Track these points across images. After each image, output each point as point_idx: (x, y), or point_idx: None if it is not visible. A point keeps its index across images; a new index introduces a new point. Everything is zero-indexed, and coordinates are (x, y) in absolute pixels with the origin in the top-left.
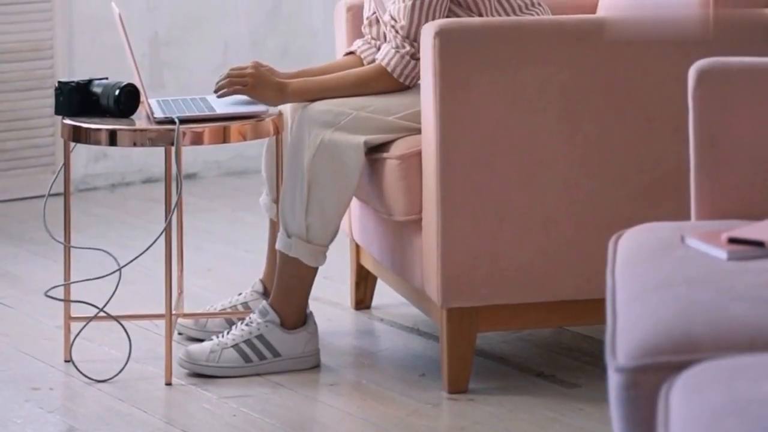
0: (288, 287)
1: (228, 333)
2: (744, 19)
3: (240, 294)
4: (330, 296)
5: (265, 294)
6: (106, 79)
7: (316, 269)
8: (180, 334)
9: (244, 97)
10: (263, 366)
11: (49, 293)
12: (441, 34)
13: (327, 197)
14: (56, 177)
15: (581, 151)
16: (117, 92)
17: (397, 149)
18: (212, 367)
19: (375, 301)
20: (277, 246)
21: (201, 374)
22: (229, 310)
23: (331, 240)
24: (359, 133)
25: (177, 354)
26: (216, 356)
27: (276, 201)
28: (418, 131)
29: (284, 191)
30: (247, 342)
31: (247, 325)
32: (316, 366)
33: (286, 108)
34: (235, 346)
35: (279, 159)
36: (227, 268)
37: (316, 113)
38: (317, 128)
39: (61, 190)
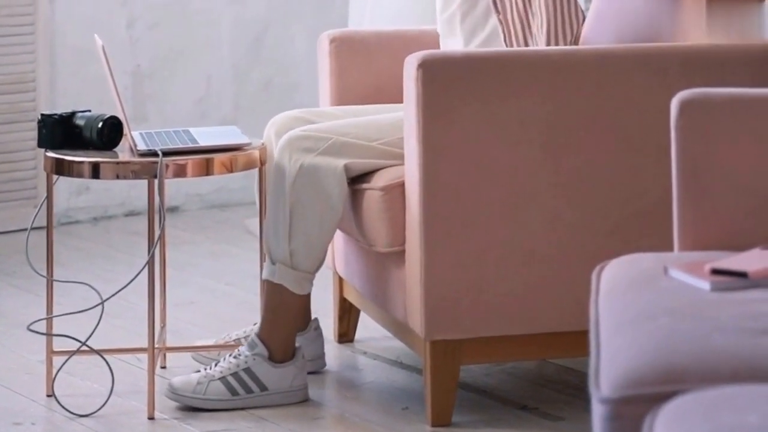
0: (275, 317)
1: (216, 365)
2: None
3: (255, 324)
4: None
5: None
6: (89, 111)
7: (301, 298)
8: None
9: (227, 128)
10: (250, 400)
11: (31, 327)
12: (424, 66)
13: (310, 222)
14: (38, 210)
15: (565, 182)
16: (100, 125)
17: (380, 180)
18: (198, 399)
19: (358, 335)
20: (263, 274)
21: (187, 406)
22: (243, 341)
23: (317, 267)
24: (340, 157)
25: (160, 387)
26: (203, 388)
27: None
28: (400, 157)
29: (268, 218)
30: (235, 375)
31: (235, 357)
32: (304, 401)
33: (270, 138)
34: (222, 379)
35: (262, 189)
36: (210, 301)
37: (296, 139)
38: (297, 154)
39: (44, 223)
